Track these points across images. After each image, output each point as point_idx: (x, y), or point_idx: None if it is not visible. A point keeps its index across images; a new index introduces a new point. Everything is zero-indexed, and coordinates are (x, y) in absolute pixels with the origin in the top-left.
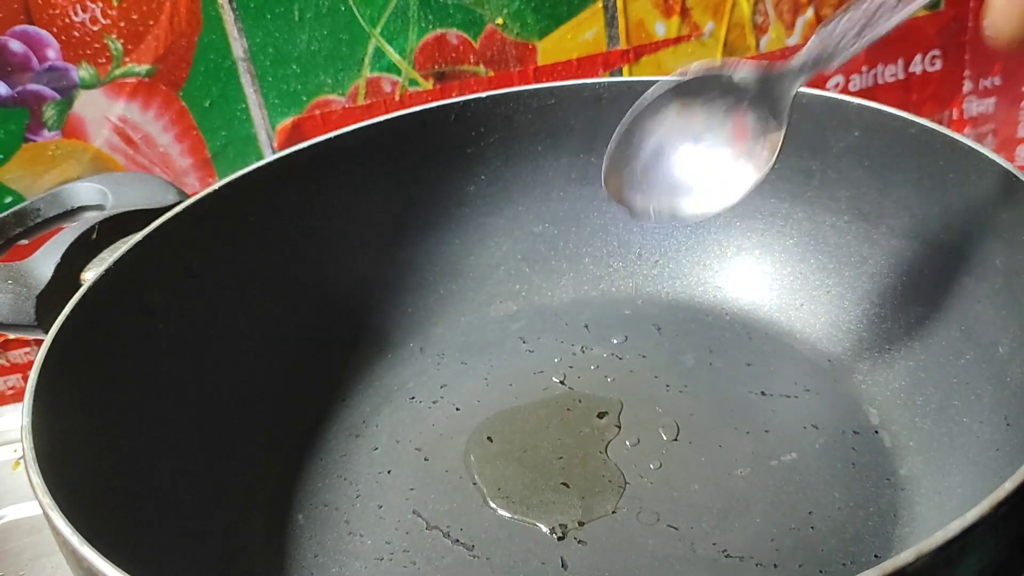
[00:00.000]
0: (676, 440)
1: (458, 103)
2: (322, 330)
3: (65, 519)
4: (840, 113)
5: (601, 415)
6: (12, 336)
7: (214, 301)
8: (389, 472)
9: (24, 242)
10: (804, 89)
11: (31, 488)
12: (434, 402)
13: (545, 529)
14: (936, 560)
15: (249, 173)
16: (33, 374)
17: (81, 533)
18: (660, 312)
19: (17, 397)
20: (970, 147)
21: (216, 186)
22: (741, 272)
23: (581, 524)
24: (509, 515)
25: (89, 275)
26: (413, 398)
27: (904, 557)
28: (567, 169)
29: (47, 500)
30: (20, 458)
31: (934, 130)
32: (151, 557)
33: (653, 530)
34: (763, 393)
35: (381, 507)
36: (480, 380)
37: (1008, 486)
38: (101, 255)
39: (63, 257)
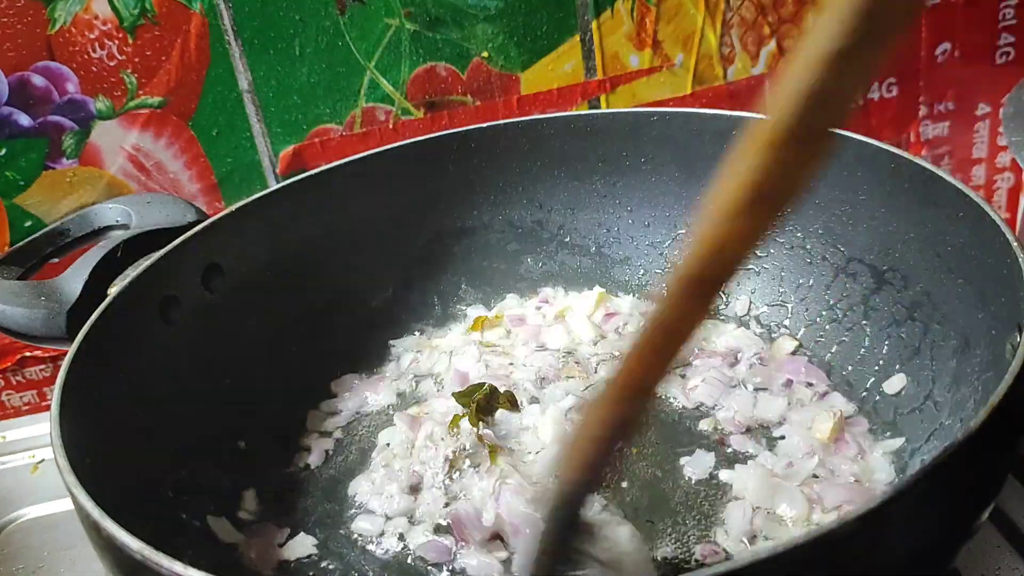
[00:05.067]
0: None
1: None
2: (326, 340)
3: (87, 495)
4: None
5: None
6: (29, 354)
7: (227, 312)
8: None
9: (55, 261)
10: None
11: (57, 470)
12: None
13: None
14: (859, 528)
15: (264, 196)
16: (61, 374)
17: (102, 507)
18: None
19: (32, 410)
20: (932, 171)
21: (232, 208)
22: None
23: None
24: None
25: (114, 290)
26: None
27: (828, 524)
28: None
29: (71, 479)
30: (38, 463)
31: (900, 155)
32: (155, 525)
33: None
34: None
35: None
36: None
37: (927, 465)
38: (126, 272)
39: (91, 275)
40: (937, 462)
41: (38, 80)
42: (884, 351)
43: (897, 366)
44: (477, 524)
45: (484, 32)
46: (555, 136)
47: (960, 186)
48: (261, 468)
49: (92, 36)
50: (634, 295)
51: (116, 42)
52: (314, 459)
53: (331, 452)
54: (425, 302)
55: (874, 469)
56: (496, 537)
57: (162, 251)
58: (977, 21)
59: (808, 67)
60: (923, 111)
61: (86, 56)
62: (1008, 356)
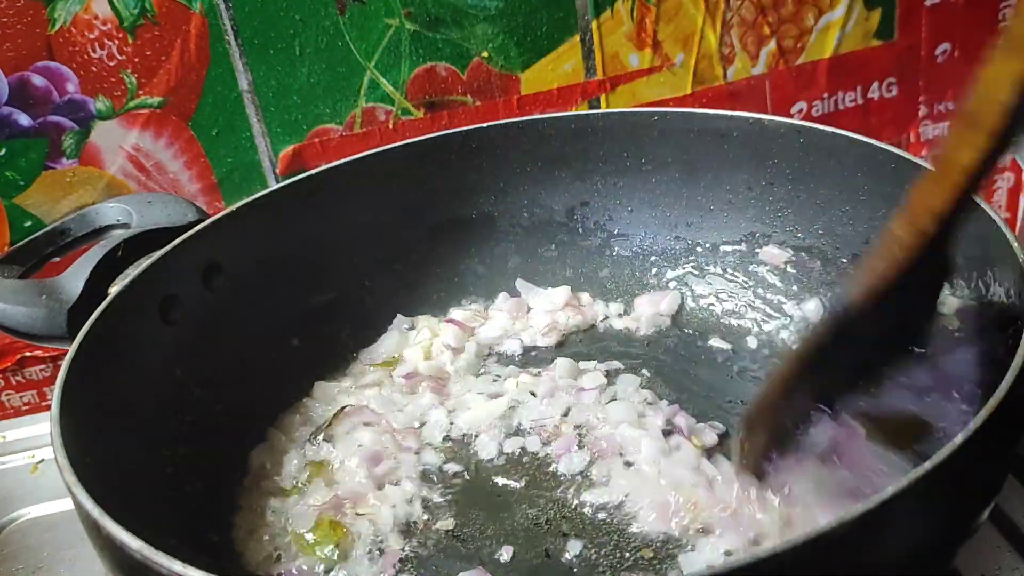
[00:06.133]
0: None
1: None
2: (326, 339)
3: (87, 494)
4: (818, 142)
5: None
6: (29, 354)
7: (228, 312)
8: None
9: (56, 260)
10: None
11: (57, 469)
12: None
13: None
14: (859, 528)
15: (264, 195)
16: (61, 373)
17: (101, 506)
18: None
19: (32, 410)
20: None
21: (232, 208)
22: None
23: None
24: None
25: (115, 289)
26: None
27: (826, 524)
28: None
29: (71, 478)
30: (38, 463)
31: (900, 155)
32: (154, 525)
33: None
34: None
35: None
36: None
37: (927, 465)
38: (126, 271)
39: (92, 274)
40: (937, 462)
41: (38, 80)
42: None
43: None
44: None
45: (484, 32)
46: (556, 136)
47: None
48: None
49: (92, 36)
50: (634, 295)
51: (116, 42)
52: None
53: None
54: (424, 302)
55: None
56: None
57: (163, 250)
58: (977, 21)
59: None
60: (923, 111)
61: (86, 56)
62: (1008, 356)
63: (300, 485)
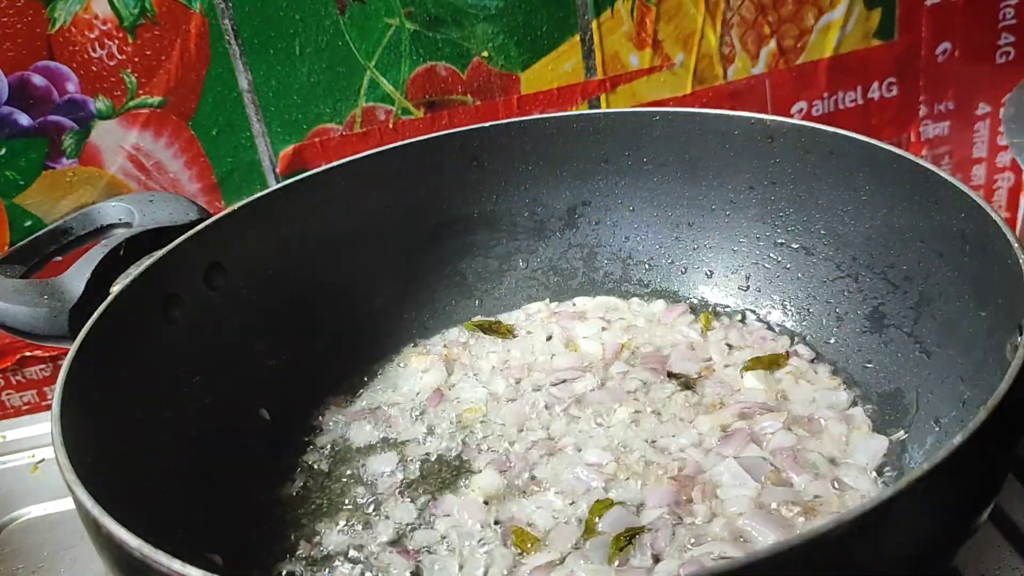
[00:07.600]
0: None
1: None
2: (326, 336)
3: (87, 493)
4: (820, 142)
5: None
6: (29, 354)
7: (229, 311)
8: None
9: (58, 259)
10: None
11: (58, 468)
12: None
13: None
14: (859, 528)
15: (265, 195)
16: (63, 372)
17: (101, 505)
18: None
19: (32, 410)
20: (932, 171)
21: (234, 207)
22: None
23: None
24: None
25: (116, 288)
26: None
27: (825, 524)
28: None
29: (71, 477)
30: (38, 463)
31: (900, 155)
32: (154, 524)
33: None
34: None
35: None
36: None
37: (926, 466)
38: (128, 270)
39: (93, 273)
40: (937, 462)
41: (38, 80)
42: (884, 350)
43: (898, 365)
44: None
45: (484, 32)
46: (557, 136)
47: (960, 186)
48: (264, 466)
49: (92, 36)
50: (636, 295)
51: (116, 42)
52: (316, 457)
53: (338, 449)
54: (425, 302)
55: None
56: None
57: (164, 250)
58: (977, 21)
59: None
60: (923, 111)
61: (86, 56)
62: (1008, 356)
63: None
